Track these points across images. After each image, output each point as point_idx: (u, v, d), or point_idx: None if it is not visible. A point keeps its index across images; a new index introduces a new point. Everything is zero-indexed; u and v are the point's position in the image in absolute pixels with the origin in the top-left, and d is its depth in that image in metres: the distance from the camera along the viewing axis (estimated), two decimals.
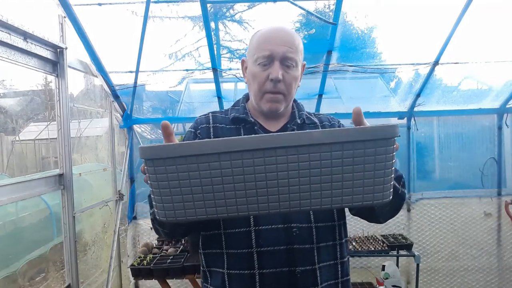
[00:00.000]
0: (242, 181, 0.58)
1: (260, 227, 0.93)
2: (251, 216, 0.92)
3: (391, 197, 0.63)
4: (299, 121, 1.05)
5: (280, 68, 0.97)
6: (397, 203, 0.95)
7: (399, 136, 0.61)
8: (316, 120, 1.11)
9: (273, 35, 0.99)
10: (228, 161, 0.57)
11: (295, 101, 1.12)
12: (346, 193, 0.60)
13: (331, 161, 0.58)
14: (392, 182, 0.62)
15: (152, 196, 0.62)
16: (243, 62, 1.10)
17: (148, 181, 0.61)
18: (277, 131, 1.05)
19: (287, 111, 1.08)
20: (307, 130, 0.59)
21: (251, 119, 1.03)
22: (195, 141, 0.59)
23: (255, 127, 1.02)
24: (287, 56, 0.97)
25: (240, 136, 0.58)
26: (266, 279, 0.92)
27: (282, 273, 0.92)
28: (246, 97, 1.13)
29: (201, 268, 1.05)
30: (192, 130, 1.06)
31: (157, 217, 0.63)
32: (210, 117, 1.08)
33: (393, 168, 0.62)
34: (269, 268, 0.92)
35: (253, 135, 0.58)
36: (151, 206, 0.88)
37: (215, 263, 0.99)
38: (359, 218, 1.03)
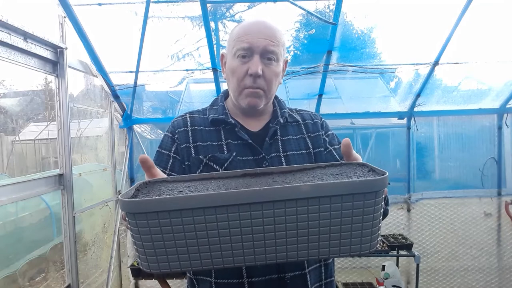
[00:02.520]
0: (228, 235, 0.57)
1: None
2: None
3: (378, 246, 0.63)
4: (281, 120, 1.02)
5: (260, 62, 0.92)
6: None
7: (389, 184, 0.60)
8: (298, 118, 1.07)
9: (254, 27, 0.94)
10: (213, 215, 0.56)
11: (276, 98, 1.08)
12: (333, 244, 0.60)
13: (319, 214, 0.57)
14: (379, 232, 0.62)
15: (135, 247, 0.61)
16: (222, 57, 1.05)
17: (130, 232, 0.60)
18: (258, 131, 1.02)
19: (267, 109, 1.04)
20: (295, 185, 0.57)
21: (231, 120, 0.99)
22: (179, 196, 0.57)
23: (236, 128, 0.98)
24: (268, 49, 0.92)
25: (225, 191, 0.56)
26: (255, 287, 0.90)
27: (271, 280, 0.90)
28: (225, 95, 1.08)
29: (188, 275, 1.01)
30: (169, 135, 1.01)
31: (141, 267, 0.62)
32: (188, 119, 1.03)
33: (380, 219, 0.61)
34: (258, 276, 0.90)
35: (239, 190, 0.56)
36: None
37: (202, 271, 0.96)
38: None
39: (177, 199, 0.56)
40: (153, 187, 0.71)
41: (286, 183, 0.66)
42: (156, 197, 0.57)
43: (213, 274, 0.93)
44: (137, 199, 0.57)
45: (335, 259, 1.13)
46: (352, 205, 0.57)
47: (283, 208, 0.57)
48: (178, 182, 0.75)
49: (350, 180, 0.58)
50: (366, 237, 0.60)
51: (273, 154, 0.98)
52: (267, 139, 0.99)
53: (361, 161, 0.76)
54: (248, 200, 0.55)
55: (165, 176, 0.80)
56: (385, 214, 0.94)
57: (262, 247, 0.59)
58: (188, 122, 1.02)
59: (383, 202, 0.60)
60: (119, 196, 0.59)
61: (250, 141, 0.97)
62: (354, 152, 0.78)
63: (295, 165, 0.81)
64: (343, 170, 0.72)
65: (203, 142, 0.98)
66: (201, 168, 0.96)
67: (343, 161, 0.79)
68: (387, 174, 0.60)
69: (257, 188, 0.55)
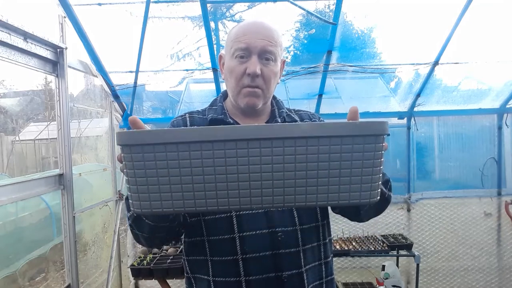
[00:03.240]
0: (224, 173, 0.55)
1: (244, 234, 0.90)
2: (235, 221, 0.90)
3: (378, 198, 0.61)
4: (279, 120, 1.02)
5: (258, 62, 0.93)
6: (383, 205, 0.95)
7: (389, 134, 0.59)
8: (296, 118, 1.07)
9: (251, 28, 0.95)
10: (210, 150, 0.54)
11: (274, 98, 1.08)
12: (332, 190, 0.58)
13: (318, 156, 0.56)
14: (379, 183, 0.60)
15: (127, 185, 0.59)
16: (220, 58, 1.06)
17: (125, 170, 0.58)
18: None
19: (266, 109, 1.05)
20: (294, 123, 0.56)
21: (229, 120, 0.99)
22: (177, 128, 0.56)
23: None
24: (266, 49, 0.93)
25: (224, 126, 0.55)
26: (252, 286, 0.90)
27: (268, 279, 0.90)
28: (224, 95, 1.08)
29: (185, 274, 1.02)
30: None
31: (132, 208, 0.60)
32: (187, 119, 1.03)
33: (381, 168, 0.60)
34: (256, 275, 0.90)
35: (238, 125, 0.56)
36: (128, 210, 0.83)
37: (199, 270, 0.96)
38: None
39: (175, 131, 0.54)
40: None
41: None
42: (153, 129, 0.56)
43: (211, 272, 0.93)
44: (135, 130, 0.55)
45: (334, 259, 1.13)
46: (352, 148, 0.56)
47: (282, 147, 0.55)
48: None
49: (351, 121, 0.57)
50: (366, 185, 0.58)
51: None
52: None
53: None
54: (246, 135, 0.54)
55: None
56: (388, 200, 0.94)
57: (258, 189, 0.57)
58: (188, 122, 1.02)
59: (383, 151, 0.59)
60: (116, 131, 0.59)
61: None
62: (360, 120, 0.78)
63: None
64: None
65: None
66: None
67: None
68: (387, 120, 0.59)
69: (256, 124, 0.55)
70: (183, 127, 0.56)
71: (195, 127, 0.55)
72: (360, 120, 0.71)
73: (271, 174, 0.57)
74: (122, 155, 0.58)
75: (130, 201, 0.61)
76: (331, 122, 0.56)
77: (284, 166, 0.56)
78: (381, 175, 0.60)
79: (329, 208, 0.99)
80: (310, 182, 0.57)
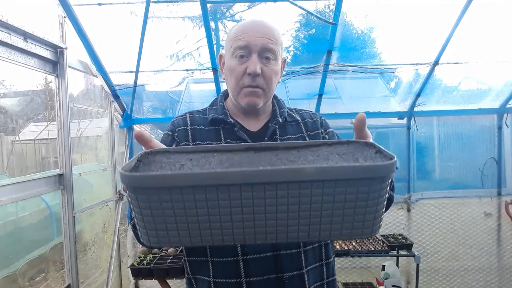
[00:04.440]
0: (229, 213, 0.56)
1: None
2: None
3: (380, 230, 0.62)
4: (280, 120, 1.02)
5: (258, 61, 0.92)
6: (386, 205, 0.95)
7: (397, 168, 0.59)
8: (298, 117, 1.07)
9: (251, 26, 0.94)
10: (214, 193, 0.55)
11: (275, 97, 1.08)
12: (335, 228, 0.59)
13: (322, 198, 0.56)
14: (382, 216, 0.60)
15: (135, 220, 0.60)
16: (220, 57, 1.05)
17: (130, 205, 0.59)
18: (258, 131, 1.02)
19: (267, 108, 1.04)
20: (299, 166, 0.56)
21: (230, 119, 0.99)
22: (180, 172, 0.56)
23: (235, 128, 0.98)
24: (267, 47, 0.92)
25: (228, 170, 0.55)
26: (253, 287, 0.90)
27: (269, 280, 0.90)
28: (225, 95, 1.08)
29: (186, 275, 1.02)
30: (169, 132, 1.01)
31: (140, 240, 0.61)
32: (188, 118, 1.03)
33: (385, 203, 0.60)
34: (256, 276, 0.90)
35: (242, 169, 0.55)
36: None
37: (200, 271, 0.96)
38: None
39: (178, 175, 0.55)
40: (155, 158, 0.70)
41: (290, 162, 0.65)
42: (157, 173, 0.56)
43: (211, 274, 0.93)
44: (138, 173, 0.55)
45: (335, 259, 1.13)
46: (357, 190, 0.55)
47: (286, 190, 0.55)
48: (180, 154, 0.73)
49: (356, 164, 0.56)
50: (369, 222, 0.59)
51: None
52: (266, 139, 0.99)
53: (369, 141, 0.74)
54: (251, 180, 0.54)
55: (165, 147, 0.78)
56: (390, 200, 0.93)
57: (263, 227, 0.58)
58: (188, 121, 1.02)
59: (388, 187, 0.59)
60: (119, 168, 0.58)
61: (249, 141, 0.97)
62: (366, 129, 0.76)
63: (300, 141, 0.78)
64: (349, 149, 0.70)
65: (202, 141, 0.99)
66: None
67: (350, 139, 0.76)
68: (396, 158, 0.57)
69: (260, 168, 0.54)
70: (187, 171, 0.56)
71: (198, 172, 0.55)
72: (367, 121, 0.71)
73: (275, 215, 0.57)
74: (127, 193, 0.58)
75: (137, 231, 0.62)
76: (337, 166, 0.55)
77: (288, 208, 0.57)
78: (384, 210, 0.61)
79: None
80: (313, 221, 0.58)
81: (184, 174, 0.55)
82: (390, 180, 0.59)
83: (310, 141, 0.79)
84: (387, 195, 0.59)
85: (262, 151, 0.75)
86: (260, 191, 0.55)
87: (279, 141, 1.01)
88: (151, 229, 0.58)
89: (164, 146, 0.78)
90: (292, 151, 0.74)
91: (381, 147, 0.67)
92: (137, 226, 0.60)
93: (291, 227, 0.59)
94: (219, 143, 0.98)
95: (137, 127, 3.22)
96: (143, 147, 0.76)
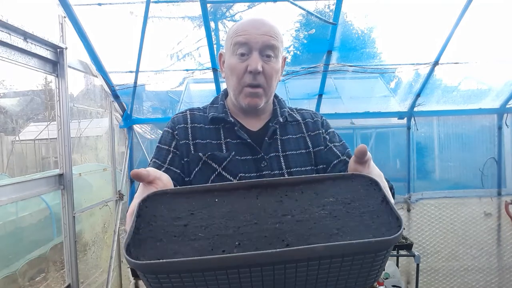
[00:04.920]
0: None
1: None
2: None
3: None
4: (281, 120, 1.01)
5: (259, 59, 0.92)
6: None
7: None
8: (298, 117, 1.07)
9: (251, 24, 0.94)
10: (224, 275, 0.56)
11: (276, 96, 1.07)
12: (339, 287, 0.62)
13: (329, 267, 0.58)
14: (382, 273, 0.65)
15: None
16: (220, 56, 1.04)
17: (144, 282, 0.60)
18: (258, 130, 1.01)
19: (268, 107, 1.04)
20: (309, 246, 0.56)
21: (230, 119, 0.99)
22: (189, 259, 0.56)
23: (235, 127, 0.98)
24: (268, 44, 0.92)
25: (239, 255, 0.57)
26: None
27: None
28: (225, 94, 1.07)
29: None
30: (170, 130, 1.01)
31: None
32: (188, 116, 1.02)
33: (386, 263, 0.63)
34: None
35: (251, 253, 0.56)
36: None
37: None
38: None
39: (185, 262, 0.55)
40: (154, 208, 0.68)
41: (295, 221, 0.65)
42: (161, 261, 0.56)
43: None
44: (143, 262, 0.55)
45: None
46: (364, 256, 0.58)
47: (294, 268, 0.58)
48: (180, 198, 0.72)
49: (365, 241, 0.56)
50: (372, 276, 0.62)
51: (272, 154, 0.98)
52: (266, 138, 0.99)
53: (372, 177, 0.73)
54: (260, 261, 0.56)
55: (161, 175, 0.77)
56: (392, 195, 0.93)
57: None
58: (188, 119, 1.02)
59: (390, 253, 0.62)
60: (122, 246, 0.59)
61: (249, 140, 0.97)
62: (371, 163, 0.76)
63: (303, 176, 0.78)
64: (354, 193, 0.70)
65: (202, 140, 0.98)
66: (200, 165, 0.96)
67: (355, 173, 0.76)
68: (402, 223, 0.60)
69: (270, 251, 0.55)
70: (195, 258, 0.57)
71: (205, 258, 0.56)
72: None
73: (284, 285, 0.60)
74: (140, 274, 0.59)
75: None
76: (345, 243, 0.57)
77: (296, 281, 0.60)
78: (384, 267, 0.64)
79: None
80: (319, 286, 0.61)
81: (195, 261, 0.55)
82: (391, 247, 0.61)
83: (314, 176, 0.78)
84: (388, 259, 0.63)
85: (264, 191, 0.74)
86: (270, 271, 0.57)
87: (279, 143, 1.00)
88: None
89: (160, 175, 0.76)
90: (295, 192, 0.73)
91: (385, 193, 0.67)
92: None
93: None
94: (219, 143, 0.98)
95: (137, 126, 3.23)
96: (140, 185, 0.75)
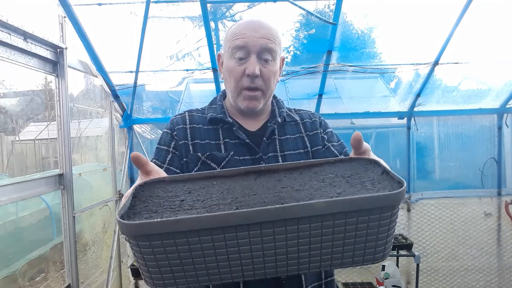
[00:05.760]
0: (237, 253, 0.55)
1: None
2: None
3: (389, 254, 0.62)
4: (279, 120, 1.02)
5: (257, 62, 0.92)
6: None
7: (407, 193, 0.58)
8: (297, 117, 1.07)
9: (249, 26, 0.93)
10: (221, 235, 0.53)
11: (274, 97, 1.08)
12: (346, 256, 0.58)
13: (333, 229, 0.55)
14: (393, 240, 0.60)
15: (138, 265, 0.58)
16: (219, 57, 1.05)
17: (133, 253, 0.56)
18: (256, 131, 1.02)
19: (266, 108, 1.04)
20: (308, 202, 0.53)
21: (229, 119, 0.99)
22: (183, 218, 0.52)
23: (234, 128, 0.98)
24: (265, 47, 0.92)
25: (234, 212, 0.53)
26: (250, 286, 0.90)
27: (267, 280, 0.89)
28: (224, 95, 1.08)
29: None
30: (169, 131, 1.01)
31: (146, 283, 0.60)
32: (187, 117, 1.03)
33: (395, 228, 0.59)
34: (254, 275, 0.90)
35: (249, 210, 0.53)
36: None
37: None
38: None
39: (180, 221, 0.52)
40: (151, 191, 0.67)
41: (295, 191, 0.63)
42: (157, 220, 0.53)
43: None
44: (136, 222, 0.52)
45: None
46: (368, 218, 0.55)
47: (296, 225, 0.54)
48: (177, 183, 0.71)
49: (367, 195, 0.54)
50: (380, 248, 0.58)
51: (270, 154, 0.98)
52: (264, 138, 0.99)
53: (371, 158, 0.73)
54: (258, 219, 0.53)
55: (160, 170, 0.77)
56: None
57: (273, 262, 0.57)
58: (187, 120, 1.02)
59: (397, 215, 0.58)
60: (116, 215, 0.55)
61: (247, 140, 0.98)
62: (364, 145, 0.75)
63: (301, 161, 0.78)
64: (354, 170, 0.69)
65: (201, 140, 0.99)
66: (198, 165, 0.96)
67: (352, 156, 0.76)
68: (405, 184, 0.56)
69: (268, 207, 0.52)
70: (191, 216, 0.54)
71: (202, 215, 0.53)
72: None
73: (285, 250, 0.56)
74: (128, 239, 0.56)
75: (142, 277, 0.60)
76: (347, 198, 0.54)
77: (299, 242, 0.56)
78: (393, 235, 0.60)
79: None
80: (325, 252, 0.57)
81: (187, 219, 0.52)
82: (399, 207, 0.58)
83: (312, 160, 0.77)
84: (396, 222, 0.59)
85: (263, 175, 0.73)
86: (269, 229, 0.54)
87: (278, 143, 1.00)
88: (155, 273, 0.56)
89: (159, 169, 0.77)
90: (294, 173, 0.72)
91: (386, 166, 0.65)
92: (140, 270, 0.58)
93: (302, 260, 0.57)
94: (217, 143, 0.98)
95: (137, 126, 3.23)
96: (139, 172, 0.74)
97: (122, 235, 3.01)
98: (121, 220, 0.53)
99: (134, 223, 0.52)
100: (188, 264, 0.55)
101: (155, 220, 0.52)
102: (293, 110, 1.10)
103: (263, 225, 0.53)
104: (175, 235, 0.52)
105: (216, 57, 1.09)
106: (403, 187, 0.56)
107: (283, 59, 1.03)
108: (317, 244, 0.56)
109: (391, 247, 0.61)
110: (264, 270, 0.58)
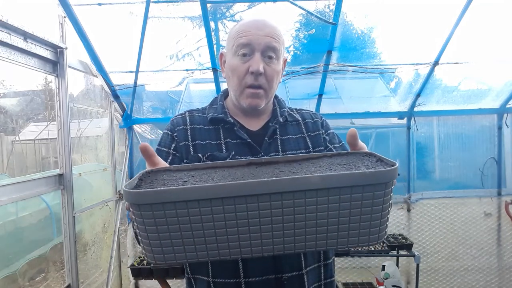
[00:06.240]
0: (235, 226, 0.57)
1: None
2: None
3: (386, 236, 0.63)
4: (281, 120, 1.02)
5: (261, 60, 0.92)
6: None
7: (399, 175, 0.59)
8: (298, 117, 1.07)
9: (254, 24, 0.94)
10: (220, 206, 0.55)
11: (276, 97, 1.08)
12: (341, 236, 0.59)
13: (328, 206, 0.56)
14: (388, 223, 0.61)
15: (139, 237, 0.59)
16: (221, 56, 1.04)
17: (134, 223, 0.58)
18: (258, 130, 1.02)
19: (268, 108, 1.04)
20: (304, 176, 0.55)
21: (229, 119, 0.99)
22: (186, 187, 0.55)
23: (235, 128, 0.98)
24: (270, 45, 0.92)
25: (233, 182, 0.55)
26: (252, 287, 0.90)
27: (268, 280, 0.89)
28: (225, 94, 1.08)
29: (185, 274, 1.02)
30: (169, 132, 1.01)
31: (146, 258, 0.61)
32: (187, 117, 1.03)
33: (390, 209, 0.60)
34: (255, 276, 0.89)
35: (247, 181, 0.55)
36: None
37: (199, 270, 0.96)
38: None
39: (183, 190, 0.54)
40: (156, 176, 0.70)
41: (293, 174, 0.65)
42: (162, 188, 0.56)
43: (210, 273, 0.93)
44: (142, 190, 0.55)
45: (335, 259, 1.13)
46: (362, 196, 0.56)
47: (292, 200, 0.56)
48: (182, 171, 0.74)
49: (360, 171, 0.57)
50: (375, 228, 0.59)
51: (272, 154, 0.98)
52: (266, 138, 0.99)
53: (368, 151, 0.75)
54: (256, 191, 0.55)
55: (166, 164, 0.79)
56: None
57: (269, 238, 0.58)
58: (188, 120, 1.02)
59: (392, 194, 0.60)
60: (122, 187, 0.58)
61: (249, 140, 0.97)
62: (360, 142, 0.77)
63: (300, 155, 0.79)
64: (350, 160, 0.71)
65: (202, 141, 0.99)
66: None
67: (350, 151, 0.78)
68: (397, 165, 0.59)
69: (266, 179, 0.54)
70: (192, 186, 0.56)
71: (204, 185, 0.55)
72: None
73: (282, 225, 0.58)
74: (131, 210, 0.57)
75: (142, 250, 0.61)
76: (341, 173, 0.56)
77: (295, 217, 0.57)
78: (389, 216, 0.61)
79: None
80: (320, 230, 0.58)
81: (190, 188, 0.54)
82: (393, 186, 0.59)
83: (311, 153, 0.79)
84: (391, 201, 0.60)
85: (264, 166, 0.75)
86: (266, 202, 0.55)
87: (279, 143, 1.01)
88: (156, 246, 0.58)
89: (166, 164, 0.79)
90: (293, 164, 0.74)
91: (381, 156, 0.67)
92: (141, 244, 0.60)
93: (298, 237, 0.59)
94: (218, 143, 0.98)
95: (137, 126, 3.23)
96: (146, 163, 0.76)
97: (121, 233, 3.00)
98: (126, 188, 0.55)
99: (139, 191, 0.54)
100: (188, 237, 0.57)
101: (158, 188, 0.55)
102: (294, 110, 1.09)
103: (260, 197, 0.55)
104: (177, 205, 0.55)
105: (217, 56, 1.10)
106: (395, 166, 0.58)
107: (285, 61, 1.03)
108: (313, 221, 0.58)
109: (386, 230, 0.62)
110: (261, 247, 0.59)
